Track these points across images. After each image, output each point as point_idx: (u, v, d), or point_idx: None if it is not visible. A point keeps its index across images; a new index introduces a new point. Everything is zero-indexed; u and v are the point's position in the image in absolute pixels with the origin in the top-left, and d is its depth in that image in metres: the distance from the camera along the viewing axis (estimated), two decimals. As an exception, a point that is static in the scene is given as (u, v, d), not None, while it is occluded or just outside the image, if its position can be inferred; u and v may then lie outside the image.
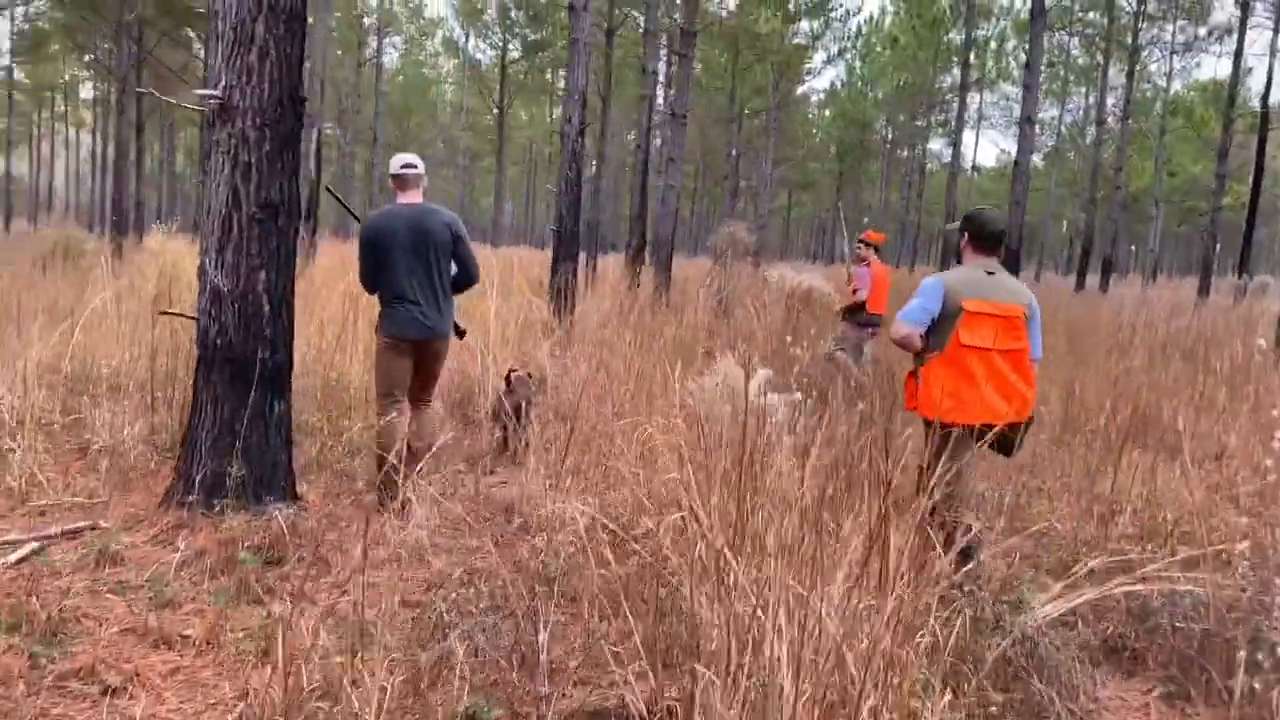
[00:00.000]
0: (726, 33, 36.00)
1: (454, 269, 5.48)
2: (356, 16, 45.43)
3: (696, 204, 56.43)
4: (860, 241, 10.20)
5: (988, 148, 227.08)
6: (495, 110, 48.96)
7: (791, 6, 39.06)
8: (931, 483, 3.23)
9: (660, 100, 23.92)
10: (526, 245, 49.81)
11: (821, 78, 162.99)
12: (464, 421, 7.42)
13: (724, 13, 36.15)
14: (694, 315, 11.49)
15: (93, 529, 4.65)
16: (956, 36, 40.36)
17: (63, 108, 63.40)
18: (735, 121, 40.59)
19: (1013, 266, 17.44)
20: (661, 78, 26.99)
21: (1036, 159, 50.49)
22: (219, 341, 4.64)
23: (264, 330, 4.68)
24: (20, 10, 43.75)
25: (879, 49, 47.14)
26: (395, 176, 5.37)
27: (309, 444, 6.32)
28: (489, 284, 8.60)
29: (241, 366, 4.64)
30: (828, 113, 56.17)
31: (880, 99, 49.72)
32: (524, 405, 6.85)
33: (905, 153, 53.31)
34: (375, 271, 5.26)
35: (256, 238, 4.60)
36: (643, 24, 18.75)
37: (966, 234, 4.43)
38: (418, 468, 5.13)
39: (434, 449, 5.09)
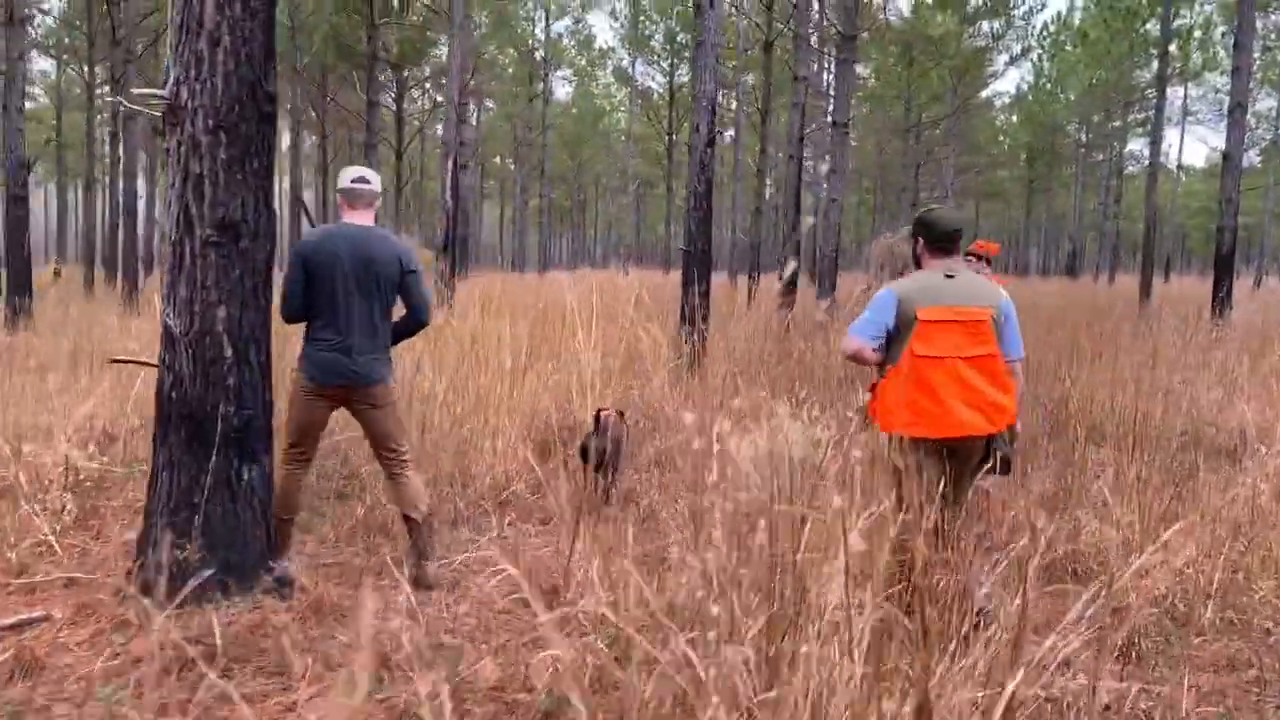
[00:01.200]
0: (898, 38, 34.28)
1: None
2: (528, 51, 45.98)
3: (877, 218, 54.38)
4: (969, 254, 8.89)
5: (1195, 146, 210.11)
6: (665, 136, 48.54)
7: (969, 7, 36.98)
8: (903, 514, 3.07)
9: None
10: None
11: (1004, 80, 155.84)
12: (542, 462, 6.43)
13: (894, 18, 34.54)
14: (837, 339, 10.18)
15: (46, 619, 3.89)
16: (1153, 27, 37.01)
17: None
18: (913, 131, 38.65)
19: (1226, 272, 15.21)
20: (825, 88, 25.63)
21: (1253, 154, 45.87)
22: (174, 394, 3.81)
23: (225, 379, 3.81)
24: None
25: (1068, 46, 43.97)
26: (344, 191, 4.39)
27: (357, 505, 5.52)
28: (586, 308, 7.62)
29: (200, 424, 3.78)
30: (1014, 117, 52.98)
31: (1071, 100, 46.34)
32: (611, 450, 5.81)
33: (1101, 155, 49.47)
34: (304, 299, 4.28)
35: (213, 266, 3.74)
36: (794, 30, 17.54)
37: (920, 238, 4.16)
38: (426, 539, 4.19)
39: (430, 517, 4.15)
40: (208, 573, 3.70)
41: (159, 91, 3.68)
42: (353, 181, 4.41)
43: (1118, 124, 44.94)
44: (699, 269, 10.74)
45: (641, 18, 46.31)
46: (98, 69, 26.70)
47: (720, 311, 13.18)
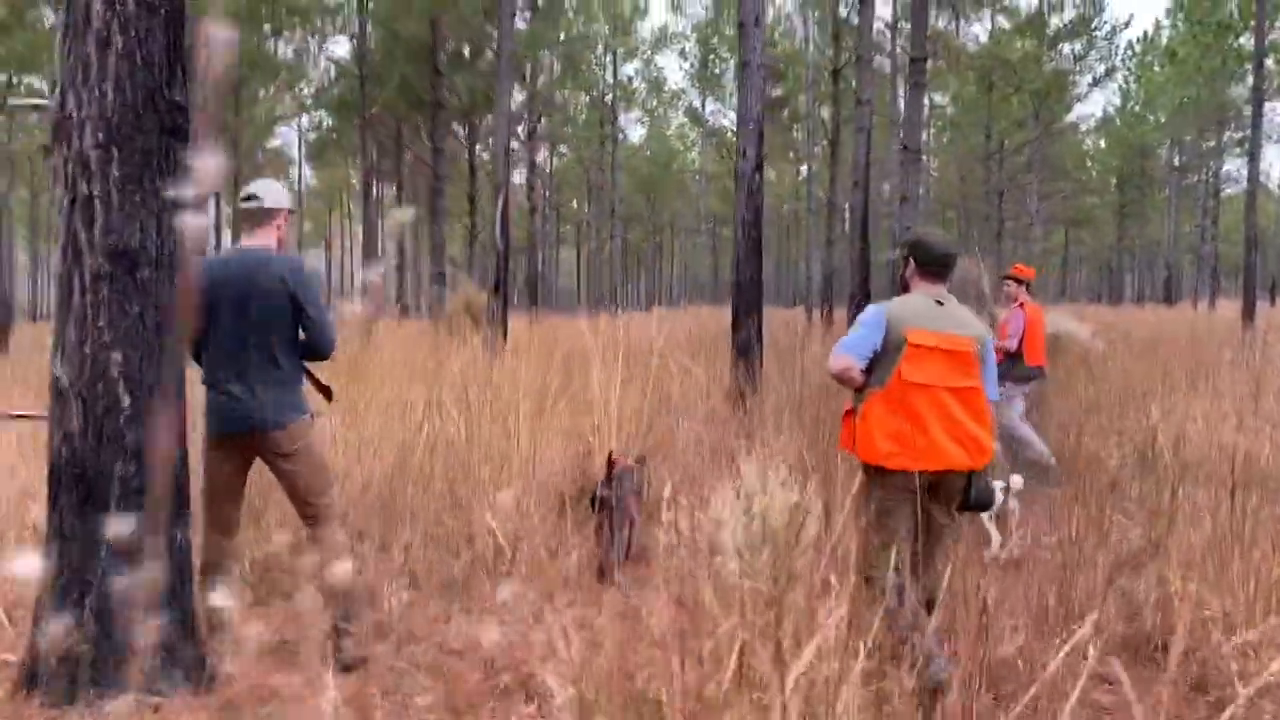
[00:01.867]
0: (975, 64, 33.28)
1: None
2: (599, 95, 46.02)
3: (968, 245, 52.92)
4: (1008, 278, 8.12)
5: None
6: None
7: (1050, 30, 35.82)
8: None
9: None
10: (775, 306, 48.09)
11: (1090, 103, 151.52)
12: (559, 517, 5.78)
13: (971, 43, 33.58)
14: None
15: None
16: (1247, 41, 35.26)
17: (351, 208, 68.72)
18: (994, 158, 37.48)
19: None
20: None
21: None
22: (64, 452, 3.27)
23: (123, 434, 3.26)
24: (305, 120, 47.82)
25: (1155, 66, 42.31)
26: (239, 212, 3.91)
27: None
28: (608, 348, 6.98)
29: (93, 486, 3.24)
30: (1101, 141, 51.20)
31: (1161, 120, 44.51)
32: (621, 503, 5.15)
33: (1196, 177, 47.35)
34: (203, 336, 3.79)
35: (106, 302, 3.21)
36: (856, 53, 16.87)
37: (912, 260, 4.01)
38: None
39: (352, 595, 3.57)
40: (103, 661, 3.14)
41: (42, 101, 3.19)
42: (242, 200, 3.88)
43: (1212, 143, 43.00)
44: (748, 301, 10.05)
45: (710, 56, 46.04)
46: None
47: (782, 345, 12.43)
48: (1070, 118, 42.62)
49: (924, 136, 48.26)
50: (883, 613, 3.08)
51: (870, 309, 3.95)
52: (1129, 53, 43.04)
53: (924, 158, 47.49)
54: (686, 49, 48.01)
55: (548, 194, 59.60)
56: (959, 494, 3.87)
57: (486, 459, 5.90)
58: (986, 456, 3.81)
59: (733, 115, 49.58)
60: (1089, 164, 51.03)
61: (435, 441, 5.85)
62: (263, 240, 3.94)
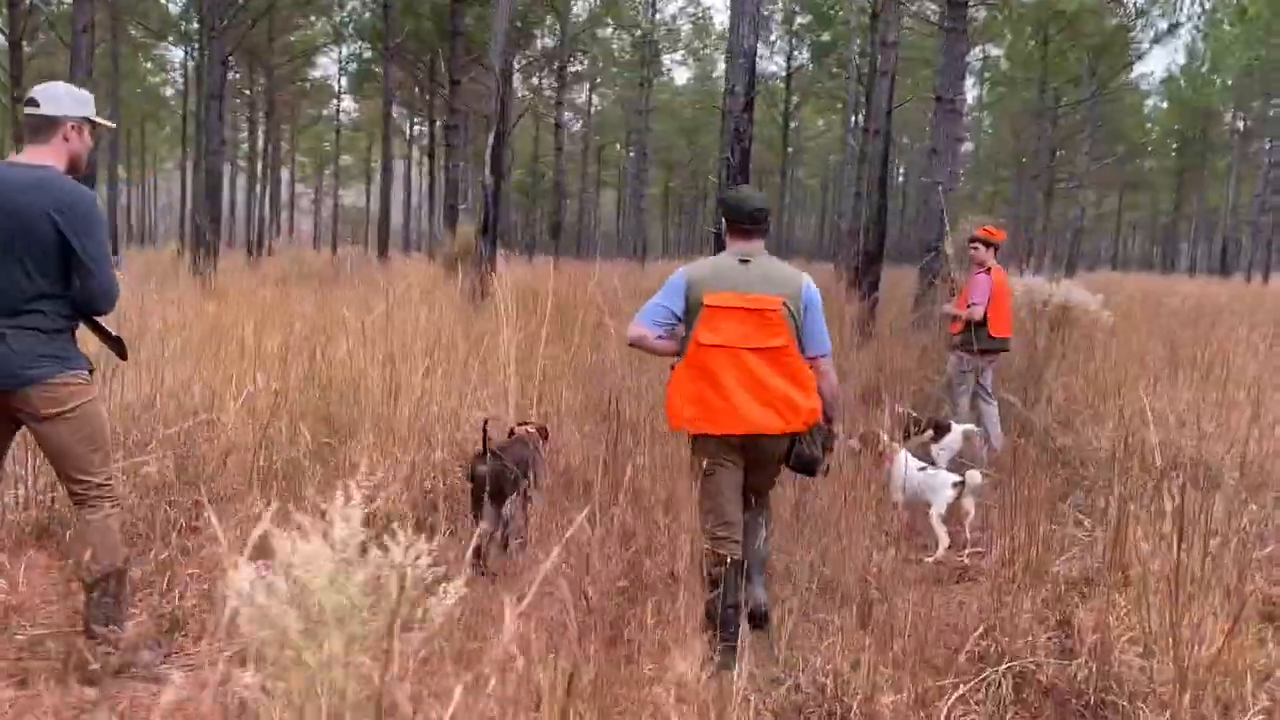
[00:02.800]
0: (1030, 15, 31.67)
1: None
2: (641, 38, 44.73)
3: (1017, 208, 51.22)
4: (975, 241, 7.29)
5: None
6: (781, 120, 46.80)
7: (1111, -21, 34.01)
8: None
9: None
10: (810, 261, 46.93)
11: (1151, 61, 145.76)
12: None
13: (1027, -8, 31.95)
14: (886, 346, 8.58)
15: None
16: (1324, -2, 33.22)
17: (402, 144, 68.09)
18: (1047, 115, 35.90)
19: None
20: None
21: None
22: None
23: None
24: (345, 50, 47.06)
25: (1224, 24, 40.19)
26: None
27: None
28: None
29: None
30: (1163, 102, 49.07)
31: (1227, 83, 42.44)
32: (506, 478, 4.46)
33: (1260, 144, 45.21)
34: None
35: None
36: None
37: (723, 218, 3.96)
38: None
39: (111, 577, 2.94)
40: None
41: None
42: (24, 105, 3.21)
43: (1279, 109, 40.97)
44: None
45: (759, -2, 44.46)
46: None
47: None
48: (1133, 75, 40.79)
49: (972, 90, 46.67)
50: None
51: (674, 274, 3.88)
52: (1196, 8, 40.88)
53: (968, 112, 45.95)
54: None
55: (589, 136, 58.72)
56: (778, 459, 3.78)
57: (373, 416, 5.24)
58: (804, 416, 3.69)
59: (779, 60, 48.24)
60: (1148, 126, 49.00)
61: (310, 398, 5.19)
62: (44, 156, 3.28)
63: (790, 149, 55.95)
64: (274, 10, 33.09)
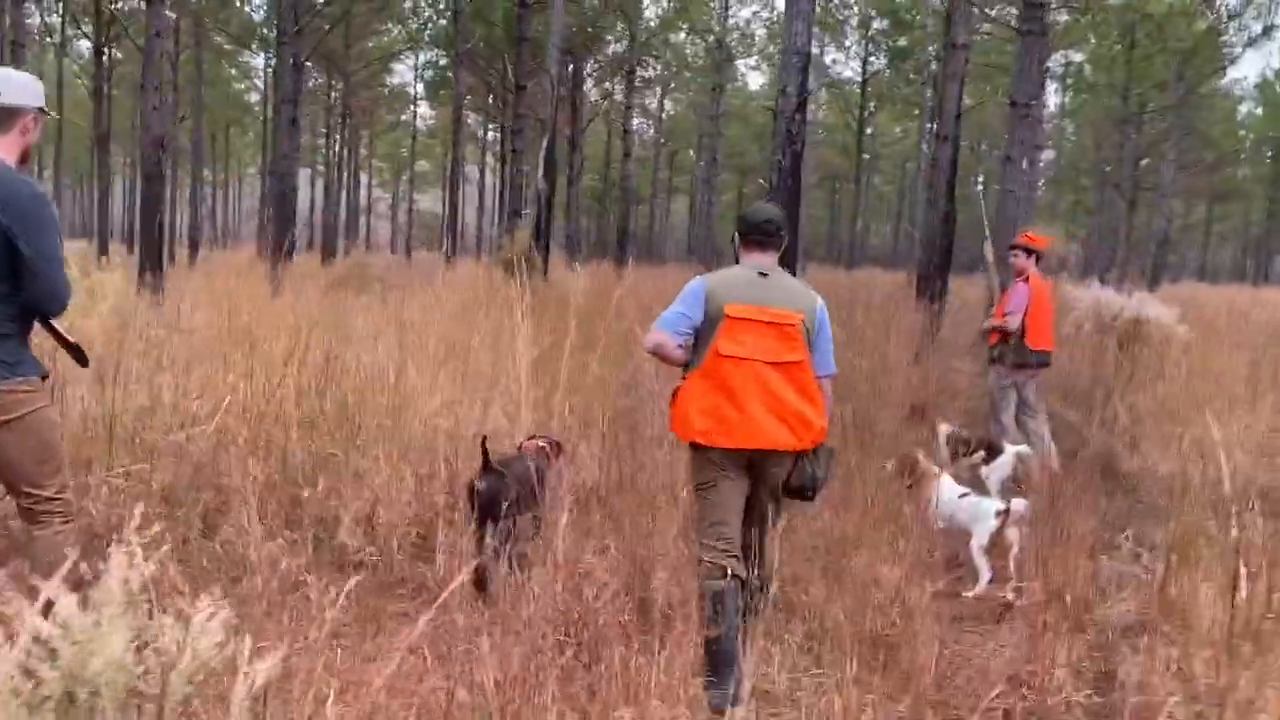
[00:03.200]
0: (1116, 19, 30.60)
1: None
2: (713, 43, 44.40)
3: (1099, 218, 49.66)
4: (1015, 248, 6.81)
5: None
6: (855, 126, 46.11)
7: (1202, -19, 32.70)
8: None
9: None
10: (885, 269, 46.07)
11: (1242, 65, 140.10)
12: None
13: (1111, -4, 30.90)
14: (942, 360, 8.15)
15: None
16: None
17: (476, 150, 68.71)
18: (1132, 122, 34.68)
19: None
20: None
21: None
22: None
23: None
24: (422, 57, 47.60)
25: (1325, 25, 38.41)
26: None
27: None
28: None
29: None
30: (1259, 109, 47.21)
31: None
32: (500, 501, 4.19)
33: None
34: None
35: None
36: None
37: (737, 232, 3.90)
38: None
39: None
40: None
41: None
42: None
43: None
44: (781, 261, 8.89)
45: (834, 1, 43.86)
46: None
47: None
48: (1221, 81, 39.23)
49: (1054, 96, 45.35)
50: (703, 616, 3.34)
51: (692, 282, 3.81)
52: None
53: (1049, 119, 44.63)
54: (808, -6, 45.81)
55: (661, 141, 58.50)
56: (785, 475, 3.68)
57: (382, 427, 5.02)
58: (815, 434, 3.64)
59: (855, 65, 47.48)
60: (1241, 133, 47.18)
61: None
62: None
63: (866, 155, 55.15)
64: (350, 17, 33.54)
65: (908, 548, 4.36)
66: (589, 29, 33.69)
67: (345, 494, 4.45)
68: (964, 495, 4.95)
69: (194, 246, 32.45)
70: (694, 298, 3.71)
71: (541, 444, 4.70)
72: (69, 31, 35.08)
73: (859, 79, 45.62)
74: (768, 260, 3.80)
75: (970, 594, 4.59)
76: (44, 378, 3.20)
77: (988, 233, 8.41)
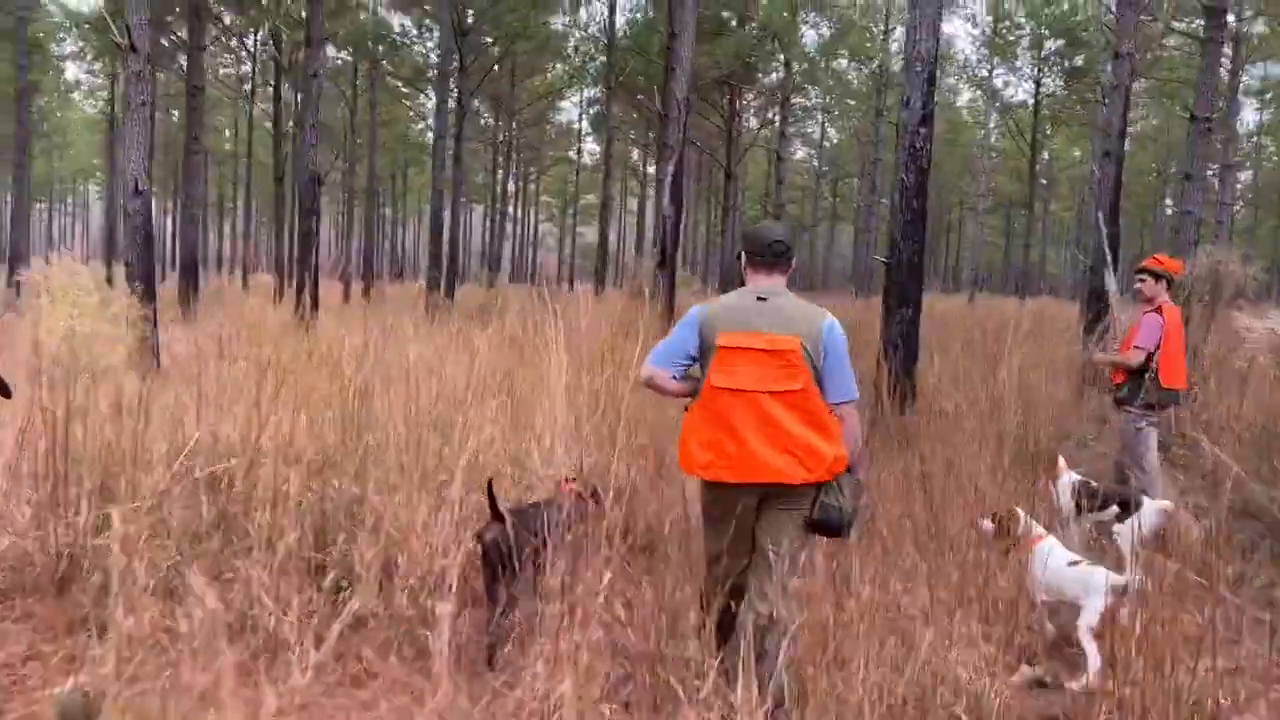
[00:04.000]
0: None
1: None
2: (876, 69, 43.31)
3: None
4: (1142, 272, 5.77)
5: None
6: (1029, 151, 44.03)
7: None
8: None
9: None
10: (1056, 297, 43.52)
11: None
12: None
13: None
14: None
15: None
16: None
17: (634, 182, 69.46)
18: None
19: None
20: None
21: None
22: None
23: None
24: (586, 94, 48.48)
25: None
26: None
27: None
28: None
29: None
30: None
31: None
32: (508, 553, 3.72)
33: None
34: None
35: None
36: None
37: (743, 251, 3.68)
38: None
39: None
40: None
41: None
42: None
43: None
44: (905, 287, 8.15)
45: (1004, 22, 42.06)
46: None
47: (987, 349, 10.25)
48: None
49: (1253, 114, 41.97)
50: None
51: (691, 310, 3.65)
52: None
53: (1246, 136, 41.30)
54: (977, 14, 44.17)
55: (823, 169, 57.49)
56: (801, 513, 3.43)
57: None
58: (827, 464, 3.37)
59: (1028, 86, 45.32)
60: None
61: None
62: None
63: (1043, 181, 52.60)
64: (513, 56, 34.27)
65: (995, 629, 3.63)
66: (746, 59, 33.25)
67: (362, 541, 4.07)
68: (1074, 563, 4.17)
69: (367, 281, 33.64)
70: (689, 328, 3.55)
71: (579, 488, 4.22)
72: (256, 79, 37.20)
73: (1031, 101, 43.54)
74: (773, 282, 3.59)
75: (1077, 685, 3.81)
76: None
77: (1109, 260, 7.49)
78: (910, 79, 8.16)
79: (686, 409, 3.55)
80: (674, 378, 3.56)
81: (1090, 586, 4.01)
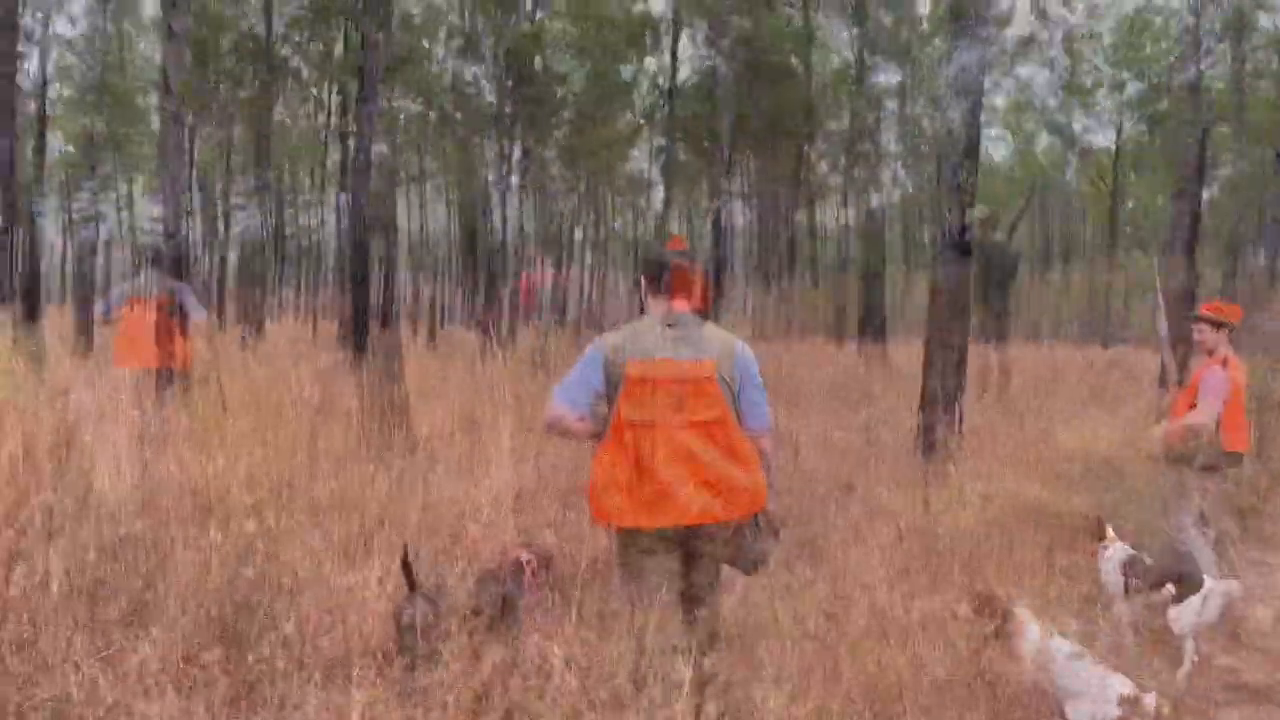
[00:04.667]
0: None
1: None
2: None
3: None
4: (1201, 321, 5.26)
5: None
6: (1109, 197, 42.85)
7: None
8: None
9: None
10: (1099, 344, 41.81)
11: None
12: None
13: None
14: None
15: None
16: None
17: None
18: None
19: None
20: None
21: None
22: None
23: None
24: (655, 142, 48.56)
25: None
26: None
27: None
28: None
29: None
30: None
31: None
32: (425, 633, 3.24)
33: None
34: None
35: None
36: None
37: (642, 275, 3.52)
38: None
39: None
40: None
41: None
42: None
43: None
44: (945, 329, 7.50)
45: (1081, 65, 41.05)
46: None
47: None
48: None
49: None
50: None
51: (594, 340, 3.41)
52: None
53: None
54: (1055, 60, 43.19)
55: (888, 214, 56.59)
56: (723, 550, 3.22)
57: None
58: (750, 499, 3.20)
59: (1109, 134, 44.07)
60: None
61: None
62: None
63: (1128, 228, 51.10)
64: (575, 105, 34.28)
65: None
66: (809, 107, 32.90)
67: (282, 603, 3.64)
68: (1076, 656, 3.46)
69: (433, 327, 33.74)
70: (591, 361, 3.29)
71: (528, 556, 3.72)
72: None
73: (1112, 147, 42.42)
74: (677, 308, 3.36)
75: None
76: None
77: (1159, 301, 6.82)
78: (954, 108, 7.59)
79: (594, 453, 3.27)
80: (580, 418, 3.27)
81: (1089, 691, 3.26)
